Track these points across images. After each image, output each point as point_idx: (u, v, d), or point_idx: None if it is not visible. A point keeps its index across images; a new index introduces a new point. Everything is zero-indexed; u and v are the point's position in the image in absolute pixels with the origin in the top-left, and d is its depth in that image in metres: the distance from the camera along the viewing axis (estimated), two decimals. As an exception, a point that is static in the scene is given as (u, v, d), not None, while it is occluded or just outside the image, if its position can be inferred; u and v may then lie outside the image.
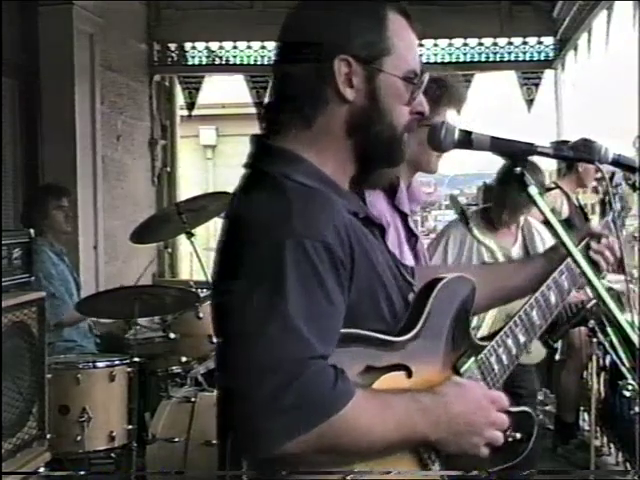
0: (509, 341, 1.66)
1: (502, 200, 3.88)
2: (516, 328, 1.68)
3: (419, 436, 1.43)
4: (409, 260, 2.16)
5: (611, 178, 1.91)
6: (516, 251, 4.01)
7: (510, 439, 1.55)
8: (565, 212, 5.36)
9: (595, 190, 6.25)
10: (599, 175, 4.91)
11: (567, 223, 5.15)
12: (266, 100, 1.59)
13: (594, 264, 1.86)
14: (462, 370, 1.59)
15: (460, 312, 1.61)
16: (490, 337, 1.67)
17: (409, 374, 1.49)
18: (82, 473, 3.75)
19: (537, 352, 3.33)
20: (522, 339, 1.68)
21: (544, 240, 4.04)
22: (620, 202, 1.96)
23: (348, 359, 1.41)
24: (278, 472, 1.34)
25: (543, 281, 1.80)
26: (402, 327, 1.53)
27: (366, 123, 1.51)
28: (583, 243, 1.88)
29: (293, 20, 1.57)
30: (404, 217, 2.28)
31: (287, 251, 1.36)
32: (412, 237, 2.29)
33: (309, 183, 1.46)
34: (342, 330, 1.41)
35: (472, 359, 1.60)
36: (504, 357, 1.64)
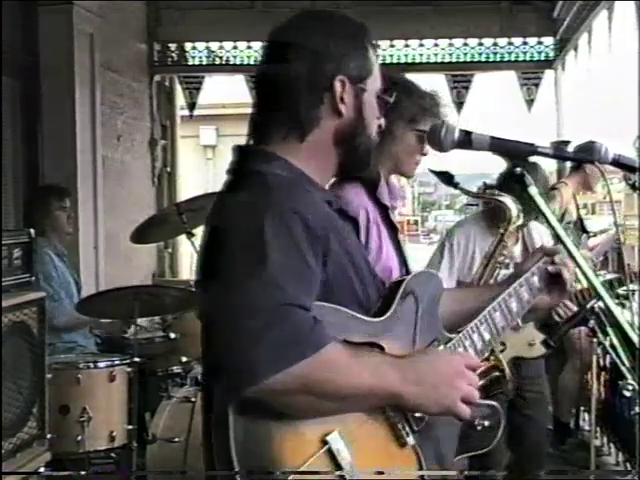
0: (475, 336, 1.81)
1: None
2: (481, 326, 1.82)
3: (389, 387, 1.52)
4: (390, 252, 2.30)
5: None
6: (518, 250, 3.99)
7: (479, 427, 1.72)
8: (573, 212, 5.33)
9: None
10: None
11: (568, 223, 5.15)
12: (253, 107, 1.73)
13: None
14: None
15: (429, 303, 1.75)
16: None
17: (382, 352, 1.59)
18: (82, 473, 3.74)
19: (539, 345, 3.34)
20: (487, 337, 1.83)
21: (543, 241, 4.02)
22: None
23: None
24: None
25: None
26: (375, 313, 1.66)
27: (352, 135, 1.69)
28: (541, 262, 1.98)
29: (287, 36, 1.68)
30: (385, 210, 2.38)
31: (266, 220, 1.50)
32: (393, 229, 2.39)
33: (286, 174, 1.62)
34: (318, 303, 1.52)
35: (441, 347, 1.74)
36: (470, 351, 1.78)
